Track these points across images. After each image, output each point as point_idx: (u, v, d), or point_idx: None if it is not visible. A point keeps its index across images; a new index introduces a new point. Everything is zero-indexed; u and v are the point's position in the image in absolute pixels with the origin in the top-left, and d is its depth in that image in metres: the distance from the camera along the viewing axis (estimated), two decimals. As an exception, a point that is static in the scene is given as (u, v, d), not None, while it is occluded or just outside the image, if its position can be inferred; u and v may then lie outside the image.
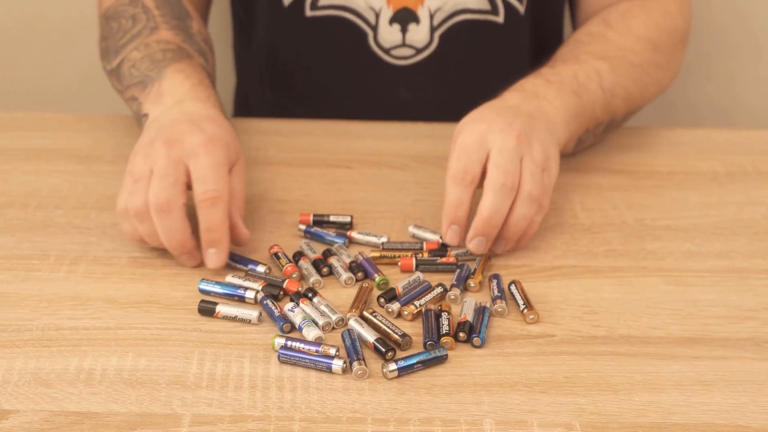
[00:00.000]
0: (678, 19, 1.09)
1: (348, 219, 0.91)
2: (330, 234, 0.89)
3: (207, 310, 0.78)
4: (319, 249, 0.87)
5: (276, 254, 0.86)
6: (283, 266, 0.84)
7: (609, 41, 1.04)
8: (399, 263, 0.85)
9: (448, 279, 0.84)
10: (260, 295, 0.80)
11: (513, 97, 0.93)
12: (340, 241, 0.88)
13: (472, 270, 0.84)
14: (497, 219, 0.84)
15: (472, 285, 0.82)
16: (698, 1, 1.33)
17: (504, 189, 0.83)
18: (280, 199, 0.96)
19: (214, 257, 0.83)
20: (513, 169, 0.84)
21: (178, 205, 0.81)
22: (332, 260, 0.85)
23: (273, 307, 0.78)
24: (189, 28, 1.00)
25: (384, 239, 0.89)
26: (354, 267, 0.84)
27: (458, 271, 0.84)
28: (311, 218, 0.91)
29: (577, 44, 1.04)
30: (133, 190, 0.82)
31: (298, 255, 0.86)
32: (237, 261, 0.85)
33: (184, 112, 0.88)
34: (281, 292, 0.81)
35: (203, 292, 0.81)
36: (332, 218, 0.91)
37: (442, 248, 0.87)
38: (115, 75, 0.99)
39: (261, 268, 0.83)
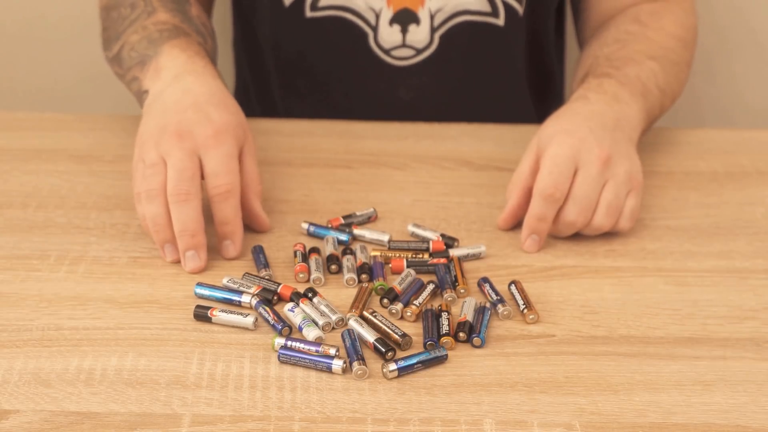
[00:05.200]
0: (693, 18, 1.11)
1: (372, 210, 0.92)
2: (332, 230, 0.89)
3: (202, 316, 0.78)
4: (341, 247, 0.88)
5: (295, 252, 0.86)
6: (297, 263, 0.84)
7: (651, 40, 1.05)
8: (390, 264, 0.85)
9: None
10: (255, 300, 0.80)
11: (598, 100, 0.94)
12: (343, 237, 0.88)
13: (453, 276, 0.83)
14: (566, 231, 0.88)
15: (462, 291, 0.82)
16: (700, 1, 1.33)
17: (578, 220, 0.87)
18: (281, 199, 0.95)
19: (230, 248, 0.86)
20: (590, 202, 0.87)
21: (198, 197, 0.83)
22: (344, 259, 0.85)
23: (267, 314, 0.78)
24: (187, 12, 1.01)
25: (386, 237, 0.89)
26: (362, 268, 0.83)
27: (438, 274, 0.83)
28: (341, 221, 0.91)
29: (621, 43, 1.04)
30: (148, 174, 0.84)
31: (315, 249, 0.86)
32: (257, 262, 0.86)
33: (186, 90, 0.89)
34: (275, 297, 0.81)
35: (199, 296, 0.81)
36: (358, 213, 0.92)
37: (446, 249, 0.87)
38: (117, 61, 1.00)
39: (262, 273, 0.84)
